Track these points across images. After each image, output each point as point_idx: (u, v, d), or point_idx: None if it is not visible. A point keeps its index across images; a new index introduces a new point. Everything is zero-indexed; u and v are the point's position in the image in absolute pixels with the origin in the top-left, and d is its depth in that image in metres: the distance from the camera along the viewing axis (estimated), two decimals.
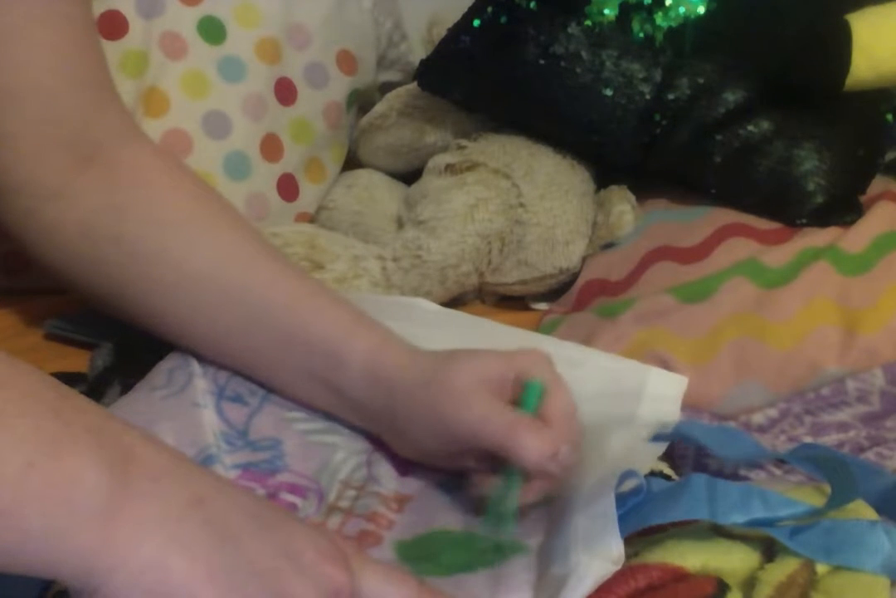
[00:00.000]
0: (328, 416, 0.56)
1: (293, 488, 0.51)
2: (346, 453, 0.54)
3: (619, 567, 0.41)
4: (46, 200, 0.56)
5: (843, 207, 0.83)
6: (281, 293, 0.55)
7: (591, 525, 0.43)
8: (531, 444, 0.47)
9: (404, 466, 0.54)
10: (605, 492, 0.44)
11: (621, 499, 0.45)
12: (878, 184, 0.86)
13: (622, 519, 0.43)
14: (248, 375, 0.57)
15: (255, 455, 0.52)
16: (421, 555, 0.47)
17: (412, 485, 0.53)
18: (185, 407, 0.54)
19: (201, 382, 0.56)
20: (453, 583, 0.44)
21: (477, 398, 0.49)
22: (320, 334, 0.54)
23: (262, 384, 0.57)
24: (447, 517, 0.50)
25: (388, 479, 0.53)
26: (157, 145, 0.63)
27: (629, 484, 0.46)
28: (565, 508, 0.47)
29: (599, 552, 0.41)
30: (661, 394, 0.59)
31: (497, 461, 0.49)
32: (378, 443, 0.55)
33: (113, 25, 0.85)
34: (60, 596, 0.45)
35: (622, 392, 0.59)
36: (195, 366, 0.57)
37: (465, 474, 0.52)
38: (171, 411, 0.54)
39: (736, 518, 0.45)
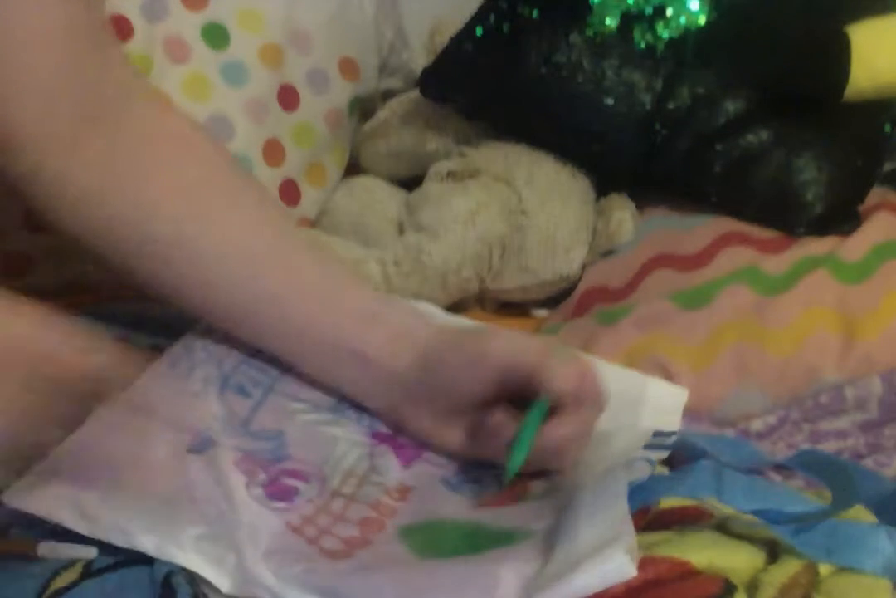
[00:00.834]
0: (333, 407, 0.57)
1: (294, 474, 0.51)
2: (348, 445, 0.54)
3: (634, 561, 0.41)
4: (53, 155, 0.55)
5: (841, 217, 0.83)
6: (303, 272, 0.55)
7: (602, 520, 0.43)
8: (560, 370, 0.48)
9: (408, 458, 0.54)
10: (616, 483, 0.44)
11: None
12: (877, 194, 0.86)
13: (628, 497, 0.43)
14: (269, 349, 0.57)
15: (256, 444, 0.52)
16: (426, 539, 0.47)
17: (415, 477, 0.53)
18: (186, 395, 0.55)
19: (204, 369, 0.56)
20: (458, 560, 0.44)
21: (511, 333, 0.51)
22: (350, 308, 0.54)
23: (277, 362, 0.57)
24: (449, 508, 0.50)
25: (391, 470, 0.53)
26: (172, 106, 0.60)
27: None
28: (573, 498, 0.46)
29: (609, 548, 0.41)
30: (661, 405, 0.60)
31: (523, 407, 0.49)
32: (381, 437, 0.56)
33: (117, 30, 0.85)
34: (57, 594, 0.45)
35: (622, 402, 0.59)
36: (198, 354, 0.57)
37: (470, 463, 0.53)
38: (172, 399, 0.54)
39: (740, 504, 0.44)
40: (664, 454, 0.53)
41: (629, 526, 0.41)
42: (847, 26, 0.80)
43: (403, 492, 0.52)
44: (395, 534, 0.48)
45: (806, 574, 0.45)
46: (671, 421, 0.58)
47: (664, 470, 0.57)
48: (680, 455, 0.61)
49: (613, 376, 0.62)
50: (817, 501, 0.50)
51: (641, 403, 0.59)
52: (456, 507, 0.50)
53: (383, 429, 0.57)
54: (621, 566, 0.39)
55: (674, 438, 0.53)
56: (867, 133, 0.87)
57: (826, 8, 0.85)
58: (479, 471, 0.54)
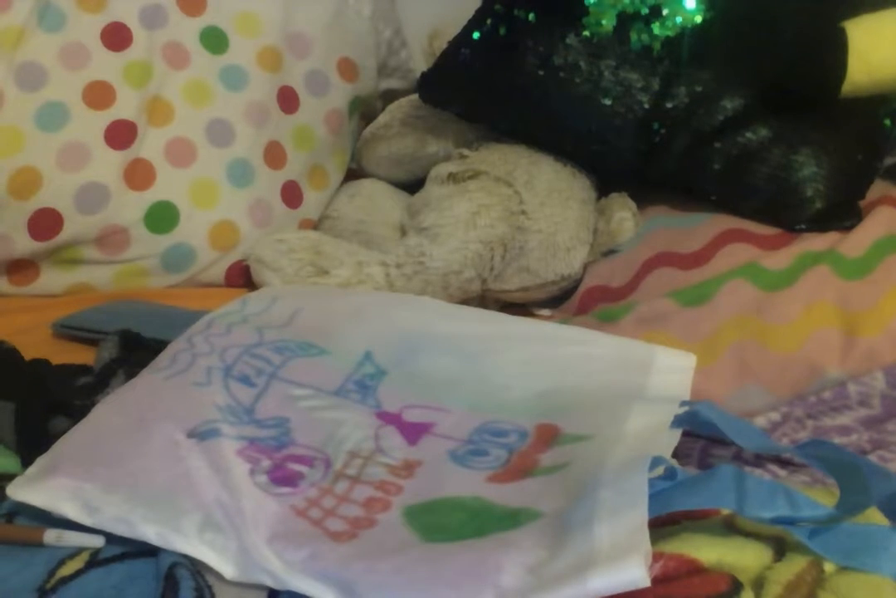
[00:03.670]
0: (336, 390, 0.57)
1: (299, 459, 0.51)
2: (352, 427, 0.55)
3: (647, 570, 0.40)
4: None
5: (842, 213, 0.83)
6: None
7: (622, 522, 0.42)
8: None
9: (414, 436, 0.54)
10: (638, 481, 0.44)
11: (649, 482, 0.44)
12: (877, 188, 0.86)
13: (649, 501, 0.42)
14: None
15: (261, 432, 0.53)
16: (430, 522, 0.47)
17: (422, 452, 0.53)
18: (187, 386, 0.55)
19: (207, 360, 0.57)
20: (461, 545, 0.44)
21: None
22: None
23: (280, 351, 0.57)
24: (456, 484, 0.50)
25: (396, 450, 0.53)
26: None
27: (656, 471, 0.46)
28: (589, 486, 0.46)
29: (629, 557, 0.40)
30: (670, 366, 0.61)
31: None
32: (387, 417, 0.56)
33: (117, 37, 0.86)
34: (62, 583, 0.45)
35: (630, 366, 0.60)
36: (200, 347, 0.58)
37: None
38: (173, 390, 0.55)
39: (762, 513, 0.44)
40: (678, 432, 0.53)
41: (647, 534, 0.41)
42: (844, 21, 0.80)
43: (410, 468, 0.52)
44: (401, 516, 0.48)
45: (812, 572, 0.45)
46: (681, 382, 0.59)
47: (672, 462, 0.57)
48: (686, 446, 0.60)
49: (621, 345, 0.64)
50: (827, 498, 0.50)
51: (650, 365, 0.60)
52: (463, 482, 0.50)
53: (389, 409, 0.57)
54: (636, 577, 0.40)
55: (690, 408, 0.53)
56: (867, 128, 0.87)
57: (822, 3, 0.85)
58: (489, 443, 0.54)
